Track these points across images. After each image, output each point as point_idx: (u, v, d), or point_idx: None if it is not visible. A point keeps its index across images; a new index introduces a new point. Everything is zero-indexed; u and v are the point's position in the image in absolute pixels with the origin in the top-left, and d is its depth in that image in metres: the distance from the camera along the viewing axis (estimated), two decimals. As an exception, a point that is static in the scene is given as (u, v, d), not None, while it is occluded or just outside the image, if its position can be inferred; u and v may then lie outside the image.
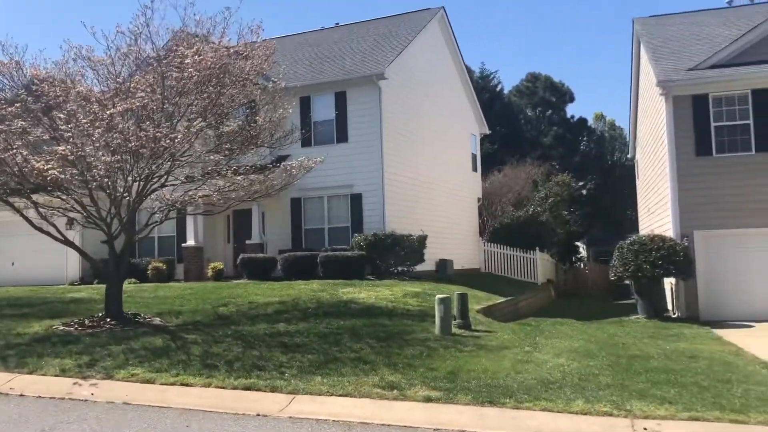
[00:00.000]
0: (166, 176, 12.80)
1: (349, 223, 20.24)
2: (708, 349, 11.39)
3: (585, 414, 7.20)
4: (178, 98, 12.21)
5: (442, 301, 11.76)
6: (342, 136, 20.51)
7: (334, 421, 7.46)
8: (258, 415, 7.78)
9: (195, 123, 12.06)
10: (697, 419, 6.95)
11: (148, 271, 20.07)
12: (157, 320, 12.79)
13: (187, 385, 8.92)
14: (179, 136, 11.66)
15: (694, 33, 20.73)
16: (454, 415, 7.47)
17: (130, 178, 12.43)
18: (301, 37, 27.43)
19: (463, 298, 12.74)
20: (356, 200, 20.17)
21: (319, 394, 8.30)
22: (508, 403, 7.61)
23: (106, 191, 12.35)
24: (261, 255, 19.74)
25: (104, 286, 13.55)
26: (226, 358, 9.94)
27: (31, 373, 9.76)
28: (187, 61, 11.75)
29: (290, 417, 7.67)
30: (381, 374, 8.95)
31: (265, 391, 8.54)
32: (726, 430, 6.76)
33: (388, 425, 7.28)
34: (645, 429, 6.75)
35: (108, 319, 12.41)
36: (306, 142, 20.04)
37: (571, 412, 7.26)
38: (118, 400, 8.52)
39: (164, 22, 13.53)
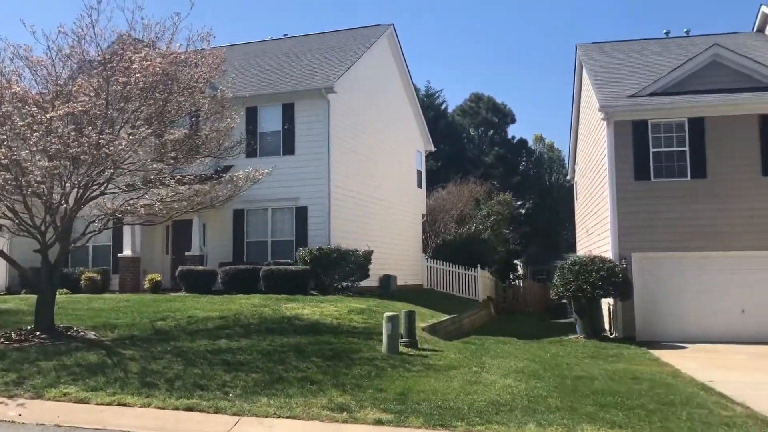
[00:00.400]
0: (106, 184, 12.28)
1: (293, 237, 19.91)
2: (648, 370, 11.66)
3: (537, 438, 7.19)
4: (123, 104, 11.75)
5: (390, 319, 11.62)
6: (289, 148, 20.23)
7: (282, 444, 7.23)
8: (202, 438, 7.47)
9: (140, 130, 11.63)
10: (646, 443, 7.04)
11: (82, 282, 19.24)
12: (91, 334, 12.19)
13: (124, 404, 8.49)
14: (123, 143, 11.20)
15: (635, 61, 21.51)
16: (406, 439, 7.35)
17: (68, 185, 11.85)
18: (250, 47, 27.03)
19: (410, 316, 12.64)
20: (301, 213, 19.89)
21: (266, 416, 8.02)
22: (460, 426, 7.53)
23: (42, 198, 11.75)
24: (201, 267, 19.20)
25: (33, 296, 12.88)
26: (166, 376, 9.54)
27: (-49, 391, 9.11)
28: (134, 66, 11.33)
29: (236, 440, 7.39)
30: (329, 395, 8.74)
31: (208, 412, 8.21)
32: (673, 454, 6.86)
33: (339, 449, 7.11)
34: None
35: (38, 333, 11.75)
36: (252, 153, 19.70)
37: (523, 436, 7.24)
38: (48, 421, 8.01)
39: (110, 25, 12.98)
